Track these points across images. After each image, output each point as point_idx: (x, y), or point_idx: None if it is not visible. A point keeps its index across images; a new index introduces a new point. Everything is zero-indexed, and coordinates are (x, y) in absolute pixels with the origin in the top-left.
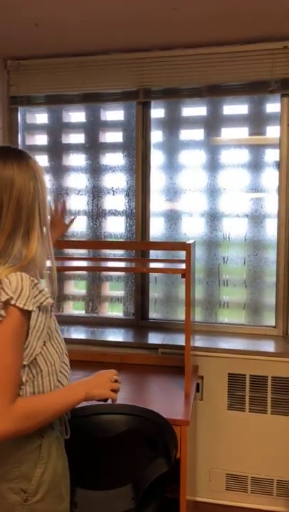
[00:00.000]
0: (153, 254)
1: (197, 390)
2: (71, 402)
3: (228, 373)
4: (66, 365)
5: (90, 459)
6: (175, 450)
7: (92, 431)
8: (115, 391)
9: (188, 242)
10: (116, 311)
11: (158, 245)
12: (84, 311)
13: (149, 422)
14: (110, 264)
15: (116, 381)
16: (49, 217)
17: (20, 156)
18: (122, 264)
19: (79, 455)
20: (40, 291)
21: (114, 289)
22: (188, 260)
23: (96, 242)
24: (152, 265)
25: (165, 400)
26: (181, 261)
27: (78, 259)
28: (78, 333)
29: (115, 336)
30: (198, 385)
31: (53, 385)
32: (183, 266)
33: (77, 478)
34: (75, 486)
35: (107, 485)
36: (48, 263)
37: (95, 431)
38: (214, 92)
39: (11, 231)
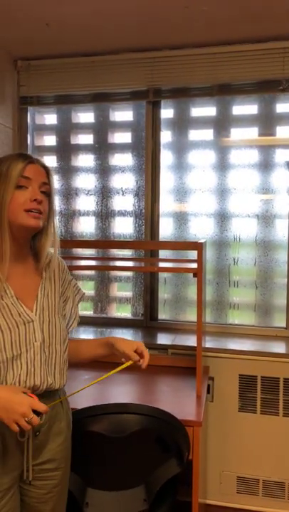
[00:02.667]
0: (162, 255)
1: (208, 392)
2: None
3: (239, 374)
4: (18, 369)
5: (102, 460)
6: (187, 452)
7: (103, 431)
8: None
9: (199, 241)
10: (124, 312)
11: (169, 245)
12: (92, 312)
13: (161, 422)
14: (120, 264)
15: (29, 421)
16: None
17: (9, 154)
18: (131, 265)
19: (91, 455)
20: None
21: (122, 290)
22: (200, 259)
23: (107, 242)
24: (163, 265)
25: (176, 400)
26: (192, 261)
27: (88, 258)
28: (87, 334)
29: (124, 336)
30: (208, 386)
31: None
32: (194, 266)
33: (89, 478)
34: (87, 486)
35: (119, 486)
36: None
37: (106, 431)
38: (225, 91)
39: None
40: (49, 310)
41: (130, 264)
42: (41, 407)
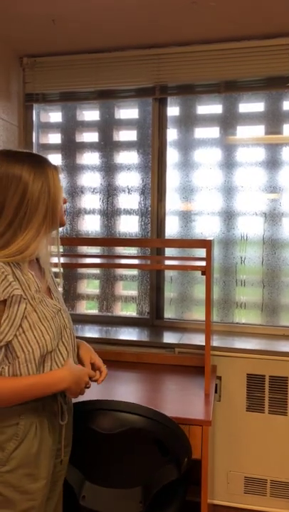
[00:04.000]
0: (168, 253)
1: (215, 391)
2: (52, 391)
3: (247, 374)
4: (59, 355)
5: (98, 455)
6: (187, 457)
7: (96, 426)
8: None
9: (208, 239)
10: (130, 311)
11: (177, 243)
12: (97, 311)
13: (159, 425)
14: (126, 262)
15: (88, 387)
16: None
17: (38, 161)
18: (138, 263)
19: (88, 449)
20: (10, 283)
21: (128, 289)
22: (208, 257)
23: (114, 240)
24: (170, 263)
25: (184, 399)
26: (200, 258)
27: (93, 256)
28: (92, 332)
29: (130, 335)
30: (216, 385)
31: (31, 372)
32: (201, 264)
33: (86, 472)
34: (85, 479)
35: (116, 484)
36: (55, 260)
37: (97, 426)
38: (232, 88)
39: (12, 219)
40: (60, 299)
41: (136, 262)
42: (94, 373)
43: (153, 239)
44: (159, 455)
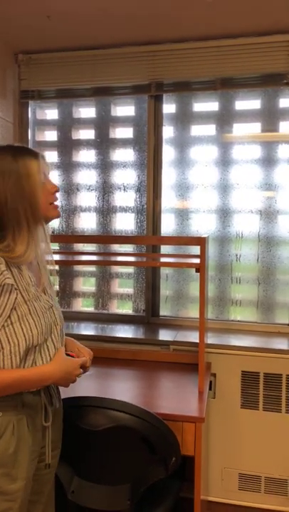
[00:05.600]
0: (164, 251)
1: (210, 388)
2: (37, 387)
3: (242, 371)
4: (46, 351)
5: (89, 452)
6: (175, 456)
7: (81, 423)
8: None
9: (202, 236)
10: (125, 309)
11: (172, 240)
12: (93, 308)
13: (146, 423)
14: (122, 259)
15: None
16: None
17: (10, 155)
18: (133, 260)
19: (77, 445)
20: (2, 272)
21: (124, 286)
22: (202, 254)
23: (109, 237)
24: (165, 261)
25: (179, 396)
26: (195, 256)
27: (89, 253)
28: (88, 330)
29: (126, 332)
30: (210, 382)
31: (14, 365)
32: (196, 261)
33: (76, 467)
34: (74, 474)
35: (106, 480)
36: (48, 257)
37: (84, 423)
38: (228, 85)
39: (4, 226)
40: (53, 296)
41: (132, 260)
42: (86, 362)
43: (148, 236)
44: (147, 453)
